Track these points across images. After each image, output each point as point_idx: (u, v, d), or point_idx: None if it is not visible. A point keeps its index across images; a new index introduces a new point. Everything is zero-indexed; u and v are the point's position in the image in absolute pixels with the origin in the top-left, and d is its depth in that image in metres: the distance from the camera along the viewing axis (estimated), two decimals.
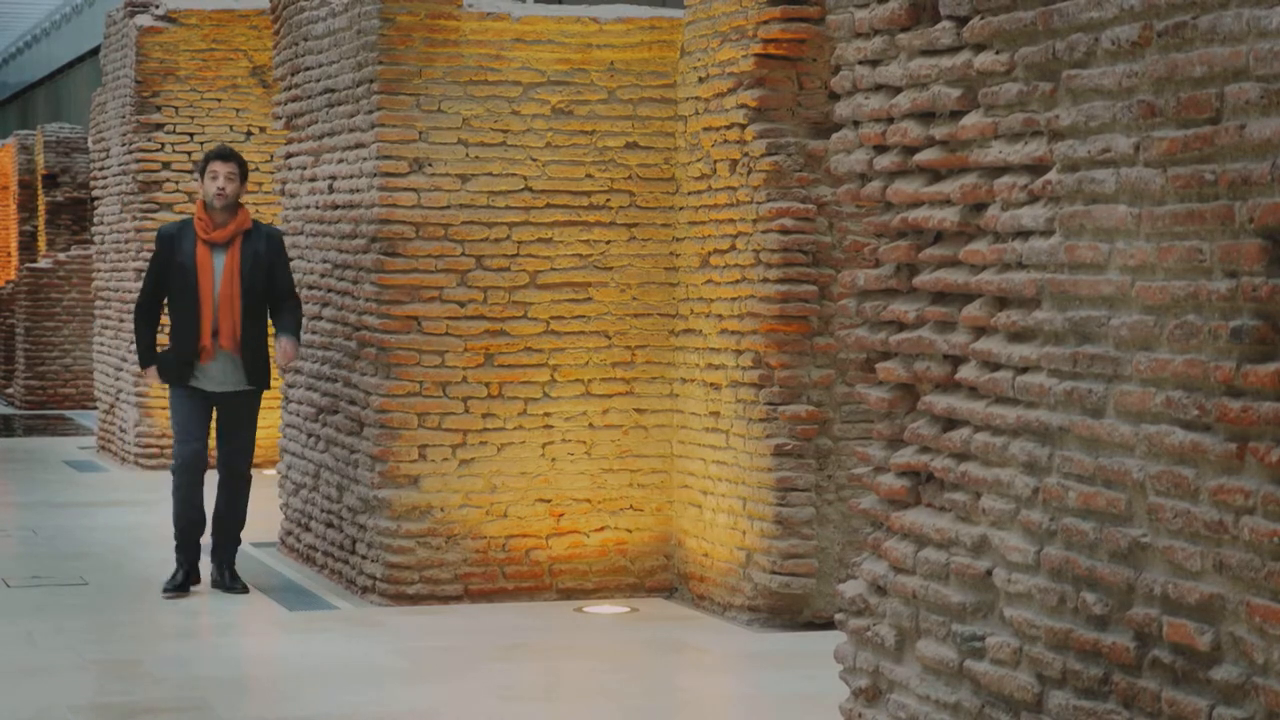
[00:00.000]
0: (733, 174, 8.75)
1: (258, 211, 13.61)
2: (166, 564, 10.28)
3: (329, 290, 9.81)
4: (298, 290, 9.86)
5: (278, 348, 9.44)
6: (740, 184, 8.67)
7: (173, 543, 9.52)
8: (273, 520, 10.82)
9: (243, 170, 9.48)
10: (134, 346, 10.65)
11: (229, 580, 9.47)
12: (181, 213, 14.49)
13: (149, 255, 14.45)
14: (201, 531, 9.50)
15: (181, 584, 9.41)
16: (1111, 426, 4.10)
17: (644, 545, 9.34)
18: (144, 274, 9.74)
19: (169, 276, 9.45)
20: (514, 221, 9.21)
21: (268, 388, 9.54)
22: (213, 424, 9.54)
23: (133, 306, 14.72)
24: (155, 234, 9.71)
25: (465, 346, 9.16)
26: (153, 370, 9.52)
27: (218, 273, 9.35)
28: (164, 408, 14.56)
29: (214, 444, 9.59)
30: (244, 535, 9.64)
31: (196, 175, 9.70)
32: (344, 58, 9.62)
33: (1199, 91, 3.84)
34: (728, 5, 8.75)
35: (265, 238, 9.49)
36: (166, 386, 9.59)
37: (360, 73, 9.36)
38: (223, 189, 9.39)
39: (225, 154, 9.53)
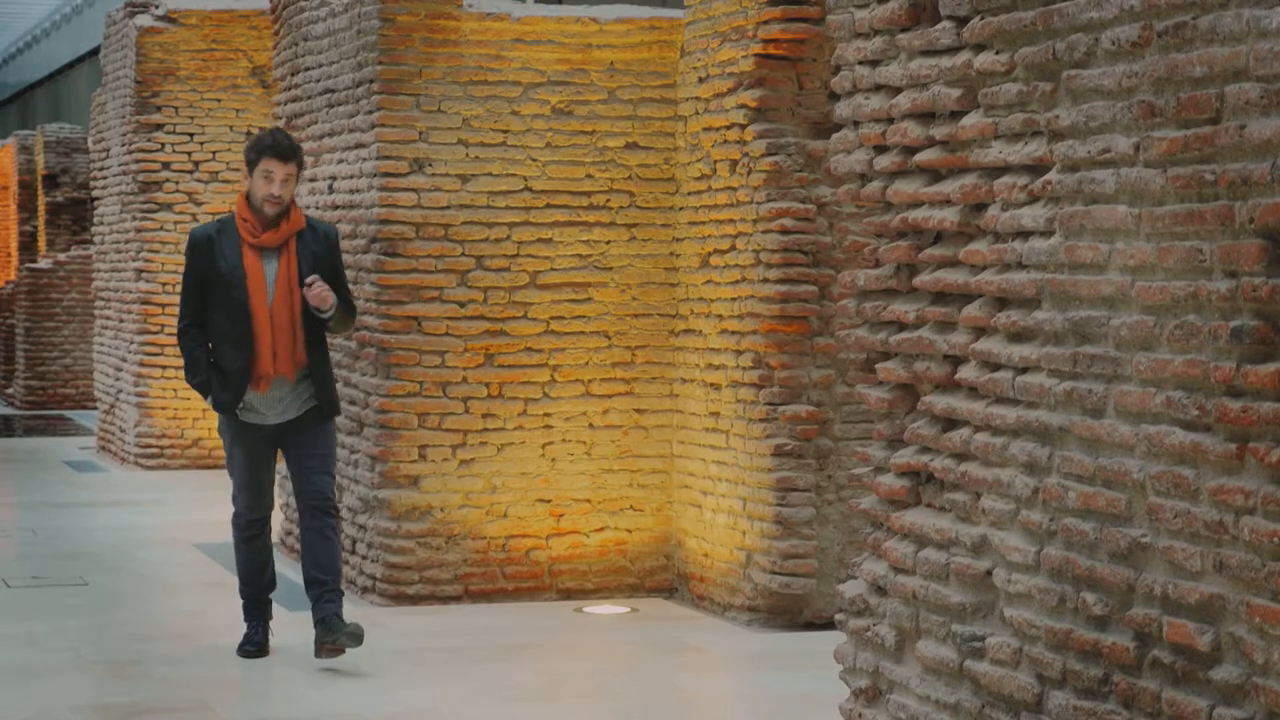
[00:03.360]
0: (733, 174, 8.74)
1: None
2: (166, 564, 10.29)
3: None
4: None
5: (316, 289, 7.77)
6: (740, 184, 8.67)
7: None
8: (273, 521, 10.80)
9: (301, 167, 7.86)
10: (180, 363, 8.64)
11: (340, 629, 7.70)
12: (182, 212, 14.49)
13: (149, 255, 14.48)
14: (274, 589, 8.09)
15: (261, 642, 7.98)
16: (1111, 426, 4.10)
17: (644, 545, 9.34)
18: (180, 290, 8.11)
19: (210, 289, 7.79)
20: (514, 222, 9.21)
21: (338, 414, 8.01)
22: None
23: (132, 307, 14.78)
24: (188, 240, 7.97)
25: (465, 347, 9.16)
26: (210, 401, 7.87)
27: (270, 283, 7.72)
28: (164, 407, 14.58)
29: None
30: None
31: (244, 169, 7.82)
32: (344, 58, 9.62)
33: (1199, 91, 3.84)
34: (728, 5, 8.75)
35: (322, 236, 7.90)
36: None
37: (360, 73, 9.36)
38: (277, 196, 7.70)
39: (284, 151, 7.73)
